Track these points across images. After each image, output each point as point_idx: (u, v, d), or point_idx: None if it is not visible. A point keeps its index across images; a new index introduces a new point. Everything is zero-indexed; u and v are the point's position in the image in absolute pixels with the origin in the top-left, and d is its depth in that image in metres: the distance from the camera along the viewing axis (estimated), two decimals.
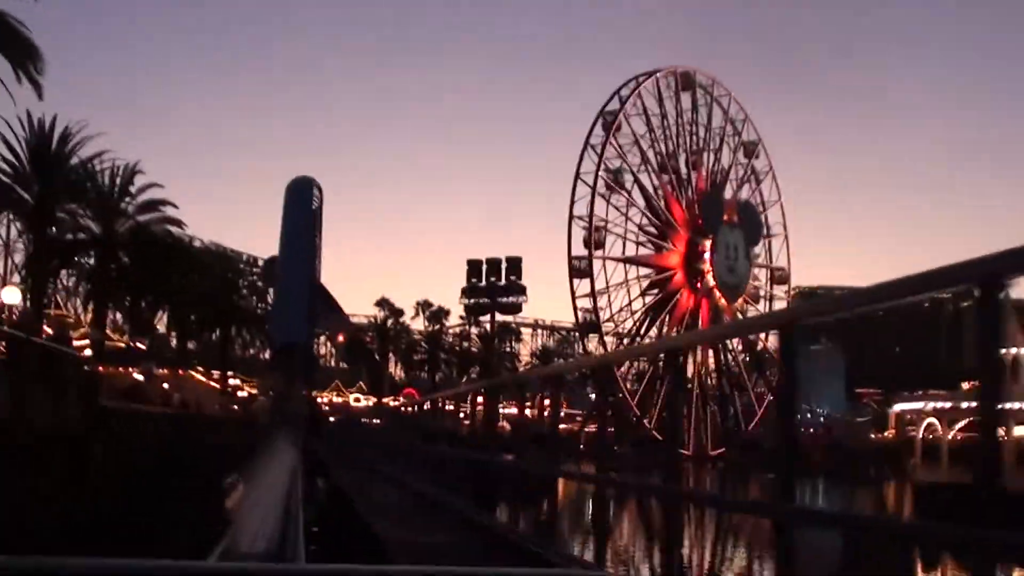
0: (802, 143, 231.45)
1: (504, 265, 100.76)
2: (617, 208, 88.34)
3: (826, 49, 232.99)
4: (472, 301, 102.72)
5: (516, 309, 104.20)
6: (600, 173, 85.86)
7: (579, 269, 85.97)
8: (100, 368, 48.18)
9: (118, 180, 55.46)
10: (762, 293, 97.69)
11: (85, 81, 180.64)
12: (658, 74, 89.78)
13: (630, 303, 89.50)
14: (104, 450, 25.43)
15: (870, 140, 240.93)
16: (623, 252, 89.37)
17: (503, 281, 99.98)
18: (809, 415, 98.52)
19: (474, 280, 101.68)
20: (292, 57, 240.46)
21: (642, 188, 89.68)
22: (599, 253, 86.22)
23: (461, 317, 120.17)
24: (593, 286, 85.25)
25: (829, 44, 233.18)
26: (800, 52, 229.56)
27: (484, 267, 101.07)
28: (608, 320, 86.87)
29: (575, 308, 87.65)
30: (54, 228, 48.04)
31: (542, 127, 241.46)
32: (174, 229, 58.54)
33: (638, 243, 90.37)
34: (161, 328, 79.19)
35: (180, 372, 62.09)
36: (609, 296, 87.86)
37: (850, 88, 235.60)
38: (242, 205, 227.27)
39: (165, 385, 60.17)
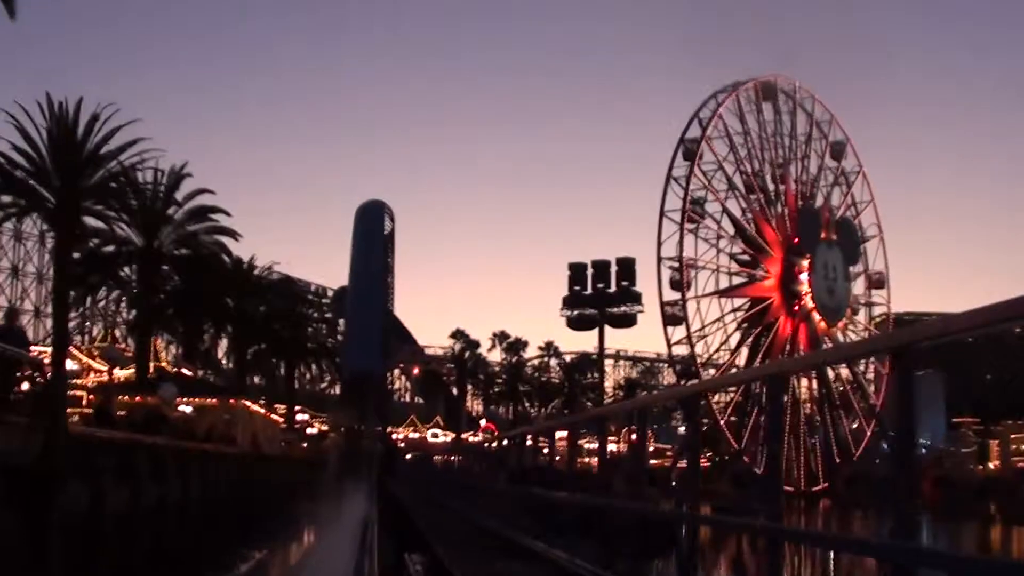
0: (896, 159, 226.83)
1: (614, 269, 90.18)
2: (706, 240, 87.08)
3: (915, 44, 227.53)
4: (575, 313, 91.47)
5: (630, 321, 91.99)
6: (687, 207, 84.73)
7: (672, 316, 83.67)
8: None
9: (162, 182, 50.54)
10: (862, 301, 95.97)
11: (142, 96, 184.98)
12: (739, 89, 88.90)
13: (727, 339, 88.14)
14: (86, 496, 22.06)
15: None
16: (716, 285, 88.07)
17: (613, 288, 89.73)
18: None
19: (577, 288, 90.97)
20: (359, 72, 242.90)
21: (730, 215, 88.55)
22: (691, 293, 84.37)
23: (540, 348, 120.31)
24: (689, 331, 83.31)
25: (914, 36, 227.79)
26: (885, 46, 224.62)
27: (590, 272, 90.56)
28: (705, 363, 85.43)
29: (671, 356, 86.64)
30: (83, 235, 42.85)
31: (620, 138, 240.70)
32: (228, 241, 53.55)
33: (731, 273, 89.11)
34: (222, 361, 77.60)
35: (232, 403, 55.72)
36: (705, 338, 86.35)
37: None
38: (309, 233, 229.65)
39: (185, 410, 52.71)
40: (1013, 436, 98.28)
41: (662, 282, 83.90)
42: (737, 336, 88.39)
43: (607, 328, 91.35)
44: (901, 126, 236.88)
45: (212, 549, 26.83)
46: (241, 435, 51.96)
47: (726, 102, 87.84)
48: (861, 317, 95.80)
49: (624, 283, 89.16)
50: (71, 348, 51.66)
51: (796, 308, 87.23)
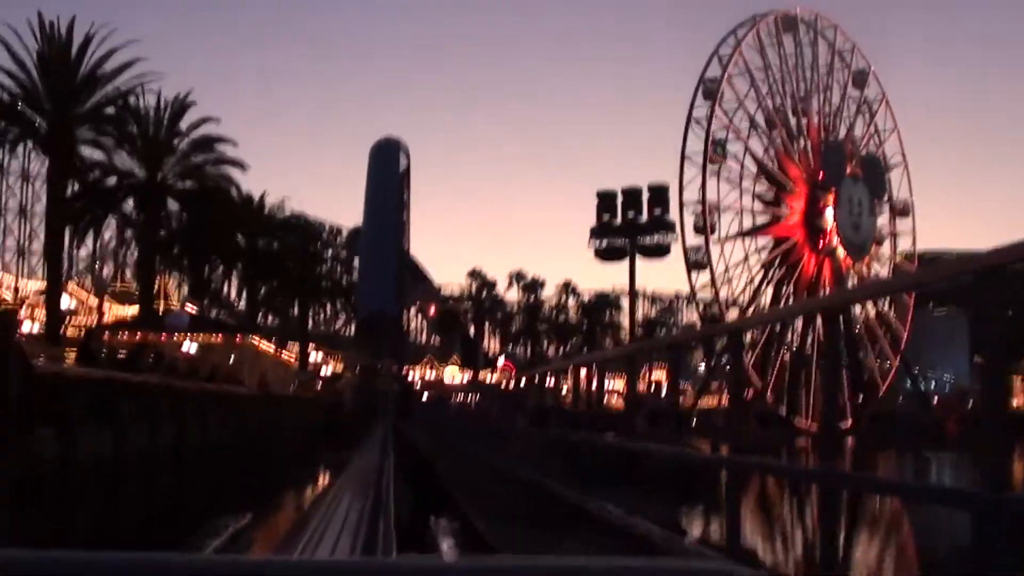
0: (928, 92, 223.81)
1: (646, 196, 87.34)
2: (728, 181, 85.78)
3: None
4: (603, 243, 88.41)
5: (662, 251, 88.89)
6: (708, 149, 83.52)
7: (696, 262, 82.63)
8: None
9: (165, 112, 48.34)
10: (885, 232, 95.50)
11: (146, 29, 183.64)
12: (759, 24, 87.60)
13: (752, 279, 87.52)
14: (54, 443, 20.20)
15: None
16: (740, 226, 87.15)
17: (644, 217, 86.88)
18: (934, 383, 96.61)
19: (607, 217, 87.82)
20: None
21: (753, 154, 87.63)
22: (714, 237, 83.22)
23: (557, 287, 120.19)
24: (713, 275, 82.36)
25: None
26: None
27: (620, 200, 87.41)
28: (730, 303, 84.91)
29: (695, 299, 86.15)
30: (81, 166, 40.96)
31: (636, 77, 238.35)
32: (237, 176, 51.69)
33: (755, 212, 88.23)
34: (234, 302, 75.38)
35: (238, 340, 52.48)
36: (730, 281, 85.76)
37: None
38: (323, 172, 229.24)
39: (189, 349, 48.95)
40: None
41: (684, 226, 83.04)
42: (762, 275, 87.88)
43: (638, 260, 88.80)
44: (925, 53, 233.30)
45: (192, 510, 22.74)
46: (248, 375, 49.47)
47: (746, 38, 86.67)
48: (885, 249, 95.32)
49: (657, 211, 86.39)
50: (72, 286, 50.45)
51: (821, 245, 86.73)
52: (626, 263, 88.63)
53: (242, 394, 41.98)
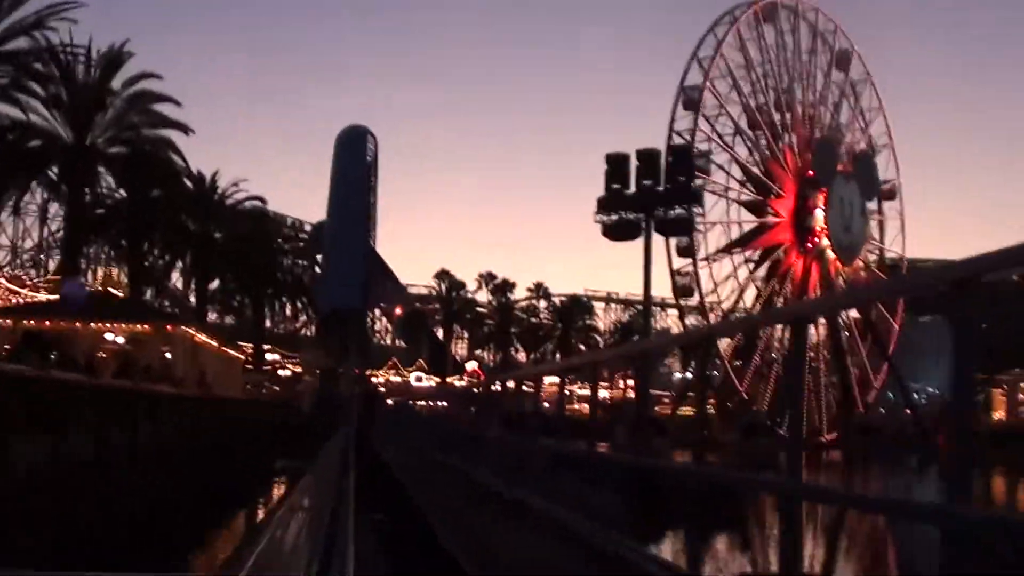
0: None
1: (664, 161, 75.58)
2: (715, 193, 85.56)
3: None
4: (614, 218, 75.91)
5: (686, 227, 78.13)
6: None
7: (684, 287, 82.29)
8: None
9: (97, 65, 43.34)
10: (875, 219, 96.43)
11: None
12: (738, 21, 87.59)
13: (741, 292, 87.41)
14: None
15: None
16: (728, 236, 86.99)
17: (662, 186, 74.55)
18: (920, 395, 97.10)
19: (616, 186, 75.45)
20: None
21: (738, 161, 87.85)
22: (701, 254, 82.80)
23: (529, 289, 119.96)
24: (702, 297, 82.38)
25: None
26: None
27: (633, 166, 74.71)
28: (711, 292, 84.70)
29: (673, 283, 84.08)
30: None
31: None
32: (185, 149, 47.41)
33: (742, 223, 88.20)
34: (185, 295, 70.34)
35: (170, 329, 45.13)
36: (718, 297, 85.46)
37: None
38: (287, 164, 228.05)
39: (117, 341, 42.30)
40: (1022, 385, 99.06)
41: (670, 248, 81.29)
42: (752, 291, 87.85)
43: (656, 238, 76.81)
44: (910, 34, 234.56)
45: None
46: (184, 371, 43.78)
47: (727, 37, 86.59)
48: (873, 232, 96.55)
49: (680, 177, 74.56)
50: None
51: (810, 245, 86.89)
52: (639, 243, 75.85)
53: (167, 395, 35.65)
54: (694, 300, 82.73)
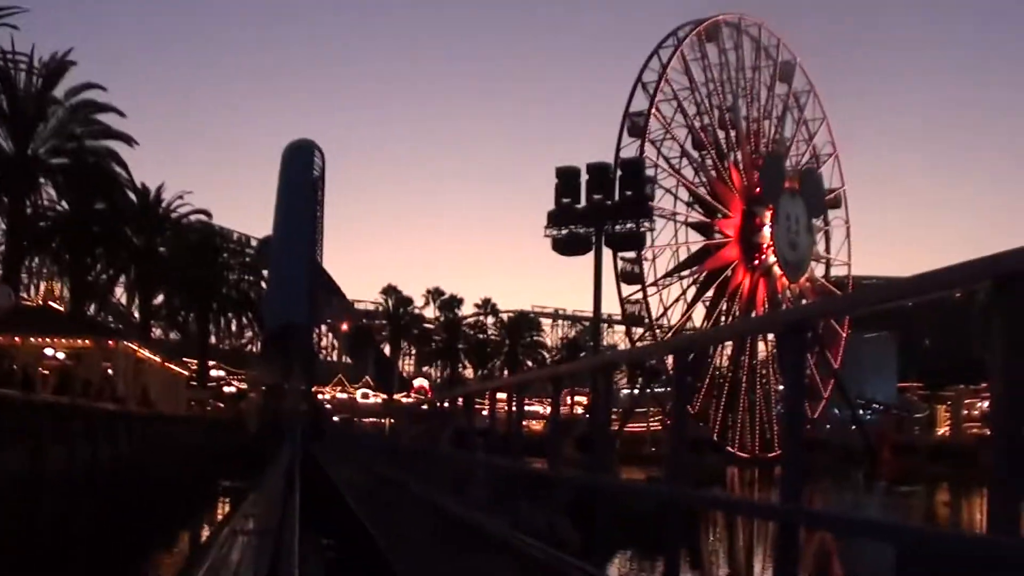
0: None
1: (617, 175, 73.26)
2: (663, 217, 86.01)
3: None
4: (564, 232, 73.25)
5: (638, 242, 77.35)
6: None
7: (633, 316, 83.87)
8: None
9: (39, 74, 42.82)
10: (819, 224, 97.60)
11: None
12: (681, 41, 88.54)
13: (690, 313, 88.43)
14: None
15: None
16: (676, 259, 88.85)
17: (615, 198, 71.80)
18: (864, 410, 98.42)
19: (567, 200, 72.92)
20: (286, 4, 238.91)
21: (685, 184, 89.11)
22: (650, 279, 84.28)
23: (476, 305, 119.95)
24: (652, 321, 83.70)
25: None
26: None
27: (583, 179, 72.40)
28: (660, 317, 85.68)
29: (623, 312, 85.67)
30: None
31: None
32: (130, 162, 47.21)
33: (689, 245, 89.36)
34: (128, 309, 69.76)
35: (111, 344, 44.36)
36: (668, 318, 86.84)
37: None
38: (233, 179, 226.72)
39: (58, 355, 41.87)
40: (966, 401, 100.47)
41: (619, 275, 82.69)
42: (701, 311, 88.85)
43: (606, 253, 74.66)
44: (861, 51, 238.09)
45: None
46: (126, 387, 43.43)
47: (671, 61, 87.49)
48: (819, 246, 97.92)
49: (628, 192, 71.67)
50: None
51: (756, 262, 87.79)
52: (589, 257, 72.58)
53: (106, 411, 35.17)
54: (644, 327, 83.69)
